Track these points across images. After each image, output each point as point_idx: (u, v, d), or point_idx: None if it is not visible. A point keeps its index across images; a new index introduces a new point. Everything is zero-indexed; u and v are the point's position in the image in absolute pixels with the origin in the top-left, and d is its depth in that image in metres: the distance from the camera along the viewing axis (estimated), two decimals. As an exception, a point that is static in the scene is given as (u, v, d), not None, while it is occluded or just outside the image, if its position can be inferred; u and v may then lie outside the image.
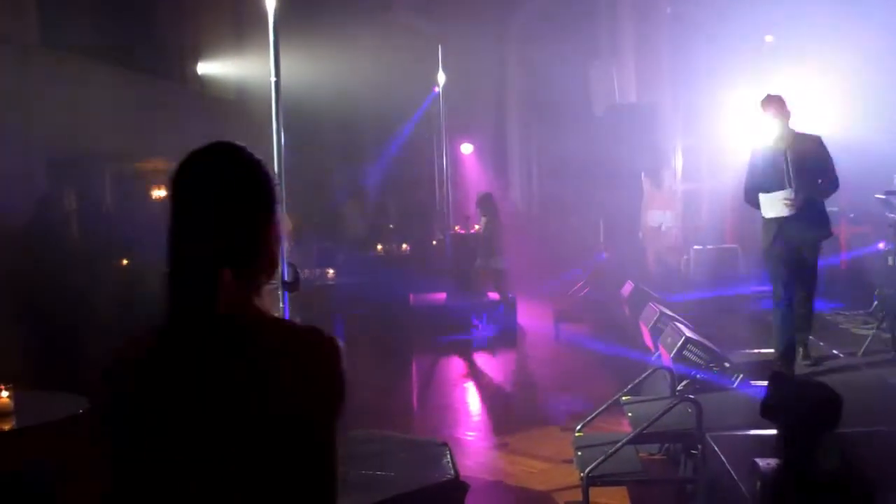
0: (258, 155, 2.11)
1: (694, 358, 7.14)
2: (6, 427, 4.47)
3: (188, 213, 2.01)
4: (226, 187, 2.02)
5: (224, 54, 16.88)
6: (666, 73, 14.02)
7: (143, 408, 1.94)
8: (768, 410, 4.56)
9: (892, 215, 8.38)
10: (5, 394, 4.62)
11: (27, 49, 10.94)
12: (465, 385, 10.54)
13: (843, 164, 7.47)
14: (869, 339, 8.11)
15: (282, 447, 1.93)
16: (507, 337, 12.52)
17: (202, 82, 16.38)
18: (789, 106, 7.34)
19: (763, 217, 7.44)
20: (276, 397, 1.93)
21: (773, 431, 4.72)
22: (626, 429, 8.06)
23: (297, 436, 1.95)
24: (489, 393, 9.99)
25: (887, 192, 8.41)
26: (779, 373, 4.58)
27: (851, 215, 10.93)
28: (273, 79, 5.86)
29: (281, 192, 5.63)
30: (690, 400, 6.15)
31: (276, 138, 5.78)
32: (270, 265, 2.08)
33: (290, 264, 5.45)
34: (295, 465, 1.95)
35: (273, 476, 1.92)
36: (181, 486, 1.92)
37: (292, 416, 1.95)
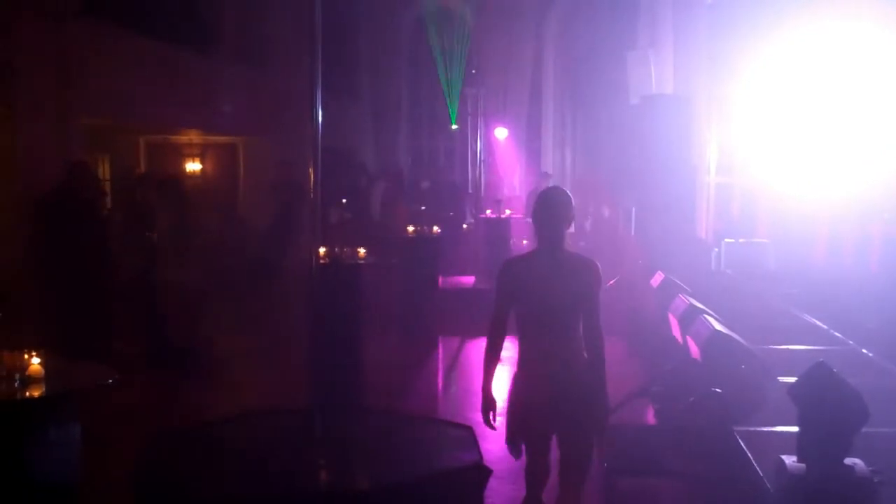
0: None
1: (722, 352, 7.08)
2: (36, 393, 4.50)
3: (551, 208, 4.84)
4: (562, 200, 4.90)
5: (262, 29, 16.90)
6: (703, 65, 13.89)
7: (521, 276, 4.81)
8: (797, 394, 4.51)
9: None
10: (36, 360, 4.65)
11: (67, 18, 11.00)
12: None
13: None
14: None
15: (581, 297, 4.75)
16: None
17: (240, 57, 16.39)
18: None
19: None
20: (577, 279, 4.74)
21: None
22: (651, 420, 8.05)
23: (586, 294, 4.77)
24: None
25: None
26: (823, 362, 4.53)
27: None
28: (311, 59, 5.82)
29: (318, 171, 5.64)
30: (717, 394, 6.11)
31: (314, 116, 5.75)
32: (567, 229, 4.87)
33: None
34: (586, 304, 4.77)
35: (578, 305, 4.76)
36: (536, 303, 4.78)
37: (583, 287, 4.75)
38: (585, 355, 4.80)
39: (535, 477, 5.03)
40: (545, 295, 4.73)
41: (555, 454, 4.96)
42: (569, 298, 4.73)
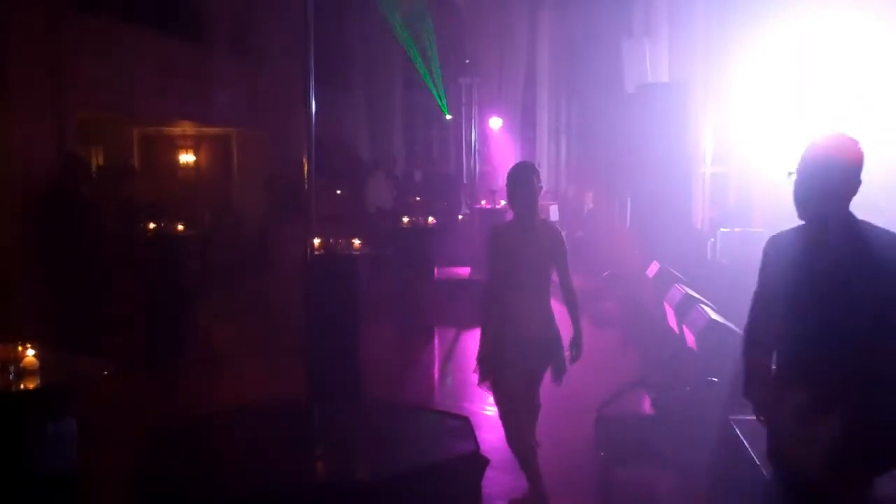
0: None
1: (718, 341, 7.09)
2: (31, 385, 4.48)
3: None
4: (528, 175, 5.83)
5: (257, 20, 16.86)
6: (699, 53, 13.86)
7: (503, 241, 5.67)
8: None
9: None
10: (31, 352, 4.63)
11: (61, 11, 10.95)
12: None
13: None
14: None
15: (550, 256, 5.65)
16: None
17: (233, 48, 16.35)
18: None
19: None
20: (546, 242, 5.55)
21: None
22: (648, 410, 8.05)
23: (554, 254, 5.63)
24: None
25: None
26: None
27: None
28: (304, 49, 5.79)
29: (312, 162, 5.62)
30: (713, 383, 6.12)
31: (307, 108, 5.73)
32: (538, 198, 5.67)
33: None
34: (558, 263, 5.61)
35: (548, 264, 5.60)
36: (514, 263, 5.66)
37: (552, 248, 5.63)
38: (552, 312, 5.71)
39: (518, 450, 5.83)
40: (520, 256, 5.64)
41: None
42: (539, 258, 5.65)
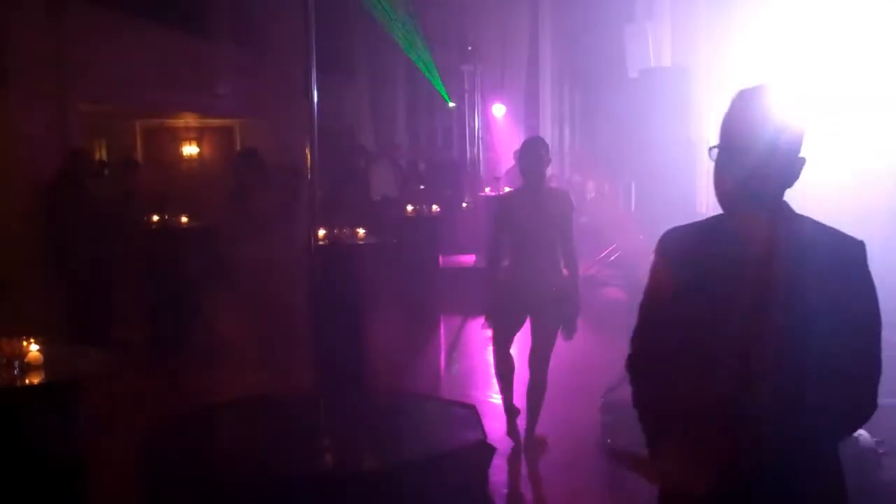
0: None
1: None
2: (36, 380, 4.48)
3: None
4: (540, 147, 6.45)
5: (258, 9, 16.81)
6: (701, 37, 13.82)
7: (512, 207, 6.40)
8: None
9: None
10: (35, 347, 4.63)
11: (62, 2, 10.93)
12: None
13: None
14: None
15: (559, 220, 6.27)
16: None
17: (236, 38, 16.31)
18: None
19: None
20: (555, 207, 6.20)
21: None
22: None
23: (562, 217, 6.29)
24: (516, 357, 9.96)
25: None
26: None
27: None
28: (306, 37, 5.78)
29: (315, 153, 5.60)
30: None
31: (310, 98, 5.72)
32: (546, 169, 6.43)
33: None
34: (563, 226, 6.28)
35: (556, 227, 6.27)
36: (525, 228, 6.26)
37: (560, 212, 6.27)
38: (564, 271, 6.30)
39: (502, 373, 6.68)
40: (531, 220, 6.24)
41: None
42: (548, 221, 6.26)
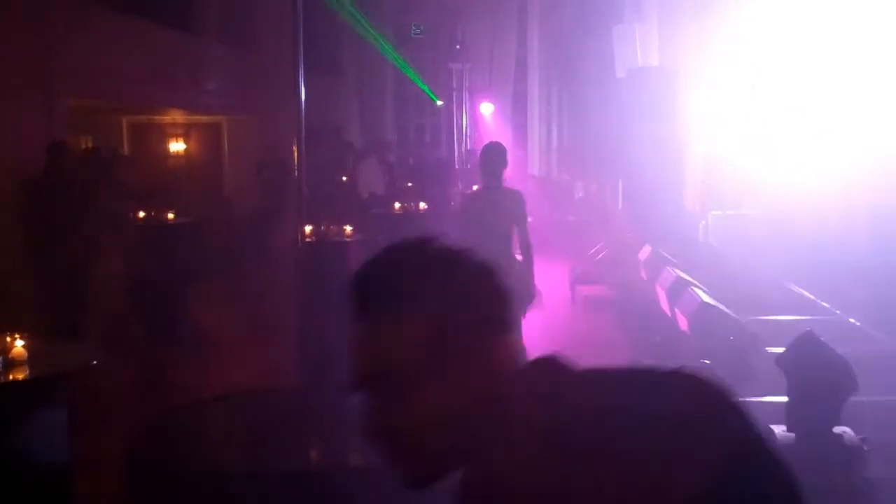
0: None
1: (711, 323, 7.09)
2: (20, 376, 4.46)
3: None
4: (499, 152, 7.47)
5: (246, 7, 16.78)
6: (689, 37, 13.84)
7: (475, 205, 7.59)
8: (785, 364, 4.52)
9: None
10: (19, 343, 4.61)
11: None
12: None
13: None
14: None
15: (514, 216, 7.08)
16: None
17: (223, 35, 16.28)
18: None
19: None
20: (511, 204, 7.08)
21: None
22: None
23: (517, 213, 7.08)
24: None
25: None
26: (811, 332, 4.54)
27: None
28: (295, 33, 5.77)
29: (302, 149, 5.59)
30: (706, 366, 6.10)
31: (297, 95, 5.71)
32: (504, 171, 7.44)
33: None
34: (518, 220, 7.12)
35: (512, 222, 7.09)
36: (484, 222, 6.92)
37: (515, 209, 7.06)
38: (518, 256, 7.21)
39: None
40: (489, 216, 7.03)
41: None
42: (505, 218, 7.10)
